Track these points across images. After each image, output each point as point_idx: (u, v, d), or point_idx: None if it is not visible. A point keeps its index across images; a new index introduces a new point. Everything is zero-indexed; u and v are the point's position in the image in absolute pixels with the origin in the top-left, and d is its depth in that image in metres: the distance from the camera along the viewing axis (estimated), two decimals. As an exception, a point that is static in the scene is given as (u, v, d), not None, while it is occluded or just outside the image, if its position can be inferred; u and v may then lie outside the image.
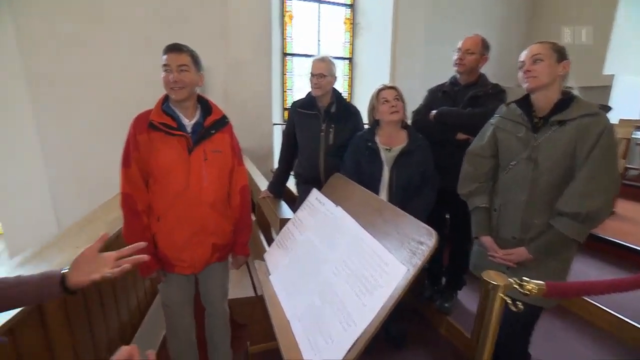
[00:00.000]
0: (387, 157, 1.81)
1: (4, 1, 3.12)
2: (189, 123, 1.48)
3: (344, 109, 2.08)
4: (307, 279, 1.03)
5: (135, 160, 1.43)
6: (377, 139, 1.84)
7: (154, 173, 1.44)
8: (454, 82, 2.12)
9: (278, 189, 2.27)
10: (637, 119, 4.77)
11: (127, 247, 0.93)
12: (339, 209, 1.11)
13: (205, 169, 1.47)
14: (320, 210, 1.19)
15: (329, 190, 1.27)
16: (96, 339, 1.73)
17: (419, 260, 0.77)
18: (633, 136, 3.92)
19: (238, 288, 2.19)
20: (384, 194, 1.80)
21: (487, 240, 1.51)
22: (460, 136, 1.98)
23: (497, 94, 1.99)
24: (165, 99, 1.48)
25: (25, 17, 3.20)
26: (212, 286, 1.72)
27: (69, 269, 0.85)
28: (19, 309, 1.19)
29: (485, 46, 2.00)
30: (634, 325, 2.04)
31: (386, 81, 4.20)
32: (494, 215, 1.51)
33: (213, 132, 1.50)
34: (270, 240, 2.57)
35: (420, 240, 0.80)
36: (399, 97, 1.80)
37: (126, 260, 0.90)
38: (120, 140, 1.46)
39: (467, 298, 2.46)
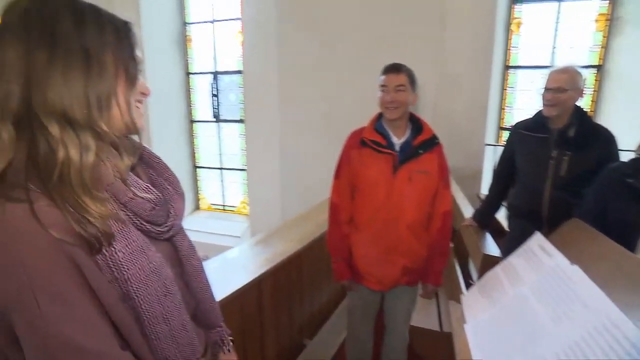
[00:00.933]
0: (659, 204, 1.27)
1: (271, 39, 4.13)
2: (398, 142, 1.49)
3: (589, 132, 1.62)
4: (514, 348, 0.81)
5: (346, 173, 1.55)
6: (647, 176, 1.31)
7: (359, 187, 1.52)
8: None
9: (485, 218, 1.99)
10: None
11: None
12: (576, 269, 0.83)
13: (407, 189, 1.45)
14: (545, 263, 0.93)
15: (561, 239, 0.98)
16: (293, 320, 2.01)
17: None
18: None
19: (423, 317, 2.07)
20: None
21: None
22: None
23: None
24: (379, 117, 1.55)
25: (285, 49, 4.13)
26: (396, 308, 1.68)
27: None
28: (243, 283, 1.50)
29: None
30: None
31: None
32: None
33: (421, 152, 1.46)
34: (466, 273, 2.31)
35: None
36: None
37: None
38: (338, 152, 1.62)
39: None
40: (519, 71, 4.20)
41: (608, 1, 3.87)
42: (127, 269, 0.55)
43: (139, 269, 0.56)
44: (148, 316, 0.58)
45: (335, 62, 3.99)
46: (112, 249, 0.54)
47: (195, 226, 4.96)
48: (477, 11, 3.62)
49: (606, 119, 3.92)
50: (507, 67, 4.21)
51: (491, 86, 3.79)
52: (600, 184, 1.42)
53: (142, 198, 0.60)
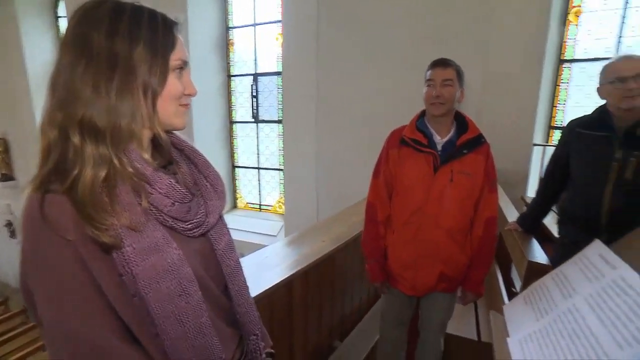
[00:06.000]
0: None
1: (311, 39, 4.14)
2: (440, 140, 1.41)
3: None
4: (568, 368, 0.72)
5: (384, 173, 1.50)
6: None
7: (397, 187, 1.47)
8: None
9: (531, 224, 1.84)
10: None
11: None
12: (646, 283, 0.71)
13: (448, 191, 1.36)
14: (605, 275, 0.81)
15: (629, 249, 0.86)
16: (324, 321, 1.97)
17: None
18: None
19: (460, 324, 1.96)
20: None
21: None
22: None
23: None
24: (421, 115, 1.48)
25: (324, 49, 4.13)
26: (430, 315, 1.60)
27: None
28: (273, 283, 1.49)
29: None
30: None
31: None
32: None
33: (465, 151, 1.37)
34: (508, 281, 2.15)
35: None
36: None
37: None
38: (377, 152, 1.58)
39: None
40: (575, 65, 3.87)
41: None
42: (136, 265, 0.55)
43: (149, 266, 0.56)
44: (158, 315, 0.57)
45: (376, 61, 3.93)
46: (123, 245, 0.54)
47: (232, 224, 5.07)
48: (528, 2, 3.39)
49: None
50: (561, 61, 3.89)
51: (542, 82, 3.53)
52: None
53: (161, 194, 0.59)
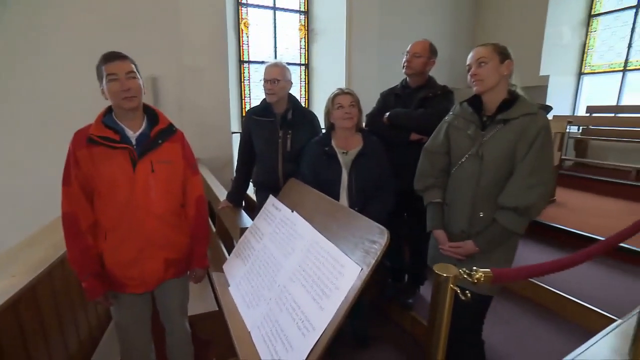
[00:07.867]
0: (344, 161, 1.82)
1: None
2: (133, 135, 1.41)
3: (300, 114, 2.08)
4: (264, 287, 1.01)
5: (76, 177, 1.34)
6: (333, 143, 1.86)
7: (98, 189, 1.36)
8: (405, 85, 2.19)
9: (237, 198, 2.22)
10: (569, 115, 5.35)
11: None
12: (295, 214, 1.11)
13: (152, 181, 1.40)
14: (276, 216, 1.18)
15: (285, 196, 1.27)
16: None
17: (372, 259, 0.78)
18: (567, 130, 4.27)
19: (200, 302, 2.11)
20: (344, 198, 1.81)
21: (439, 233, 1.56)
22: (414, 136, 2.05)
23: (445, 94, 2.09)
24: (107, 111, 1.41)
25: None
26: (169, 304, 1.62)
27: None
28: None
29: (432, 50, 2.10)
30: (574, 301, 2.19)
31: (342, 85, 4.29)
32: (445, 210, 1.56)
33: (160, 142, 1.44)
34: (231, 251, 2.51)
35: (373, 240, 0.81)
36: (355, 104, 1.81)
37: None
38: (63, 157, 1.37)
39: (429, 292, 2.51)
40: (252, 65, 4.81)
41: (305, 15, 5.01)
42: None
43: None
44: None
45: (51, 50, 3.21)
46: None
47: None
48: (208, 8, 3.81)
49: (315, 104, 5.14)
50: (241, 62, 4.71)
51: (230, 79, 4.15)
52: (308, 153, 1.89)
53: None
